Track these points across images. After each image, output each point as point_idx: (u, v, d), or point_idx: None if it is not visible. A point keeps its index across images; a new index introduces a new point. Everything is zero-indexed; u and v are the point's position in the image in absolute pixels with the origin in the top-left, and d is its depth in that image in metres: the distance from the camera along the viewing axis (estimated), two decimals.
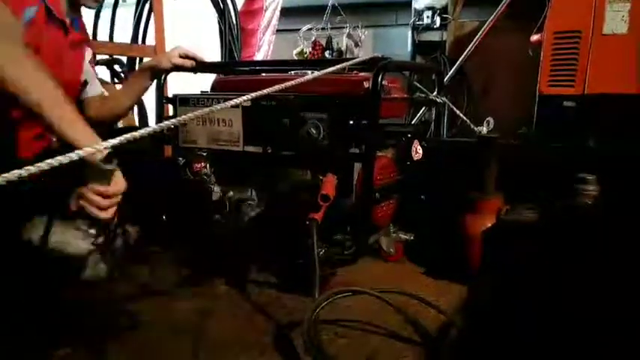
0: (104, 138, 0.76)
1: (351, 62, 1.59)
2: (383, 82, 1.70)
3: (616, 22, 2.62)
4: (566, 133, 2.65)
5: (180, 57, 2.00)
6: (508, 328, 1.39)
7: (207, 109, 0.92)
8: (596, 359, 1.23)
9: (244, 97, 0.98)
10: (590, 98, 2.64)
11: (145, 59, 3.16)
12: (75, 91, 1.81)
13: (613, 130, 2.46)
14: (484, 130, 1.95)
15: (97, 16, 3.57)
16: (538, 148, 2.36)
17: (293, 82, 1.15)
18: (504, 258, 1.69)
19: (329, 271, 1.71)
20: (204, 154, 1.99)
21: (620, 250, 1.48)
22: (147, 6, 3.24)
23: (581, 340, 1.26)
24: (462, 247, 1.80)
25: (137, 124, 2.61)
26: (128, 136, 0.73)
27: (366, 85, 1.76)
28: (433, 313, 1.51)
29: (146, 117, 2.55)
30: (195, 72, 2.12)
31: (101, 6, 3.63)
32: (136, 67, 3.18)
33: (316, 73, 1.29)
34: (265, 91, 1.06)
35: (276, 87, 1.09)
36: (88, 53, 1.87)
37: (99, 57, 2.92)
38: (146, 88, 2.01)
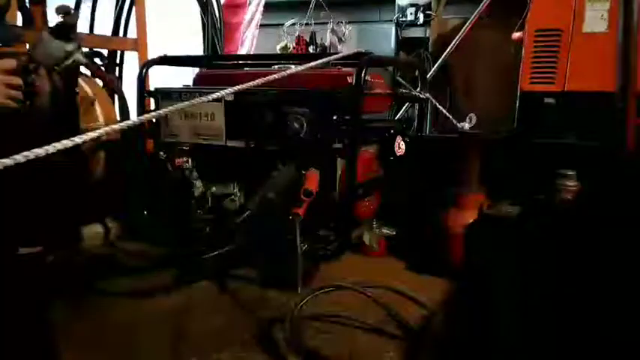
0: None
1: (334, 57, 1.59)
2: (366, 78, 1.70)
3: (596, 20, 2.66)
4: (547, 129, 2.68)
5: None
6: (488, 323, 1.40)
7: (188, 102, 0.91)
8: (576, 351, 1.25)
9: (227, 91, 0.97)
10: (571, 95, 2.68)
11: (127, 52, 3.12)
12: None
13: (592, 126, 2.49)
14: (466, 126, 1.96)
15: (76, 7, 3.50)
16: (519, 144, 2.38)
17: (276, 76, 1.14)
18: (487, 253, 1.70)
19: (312, 267, 1.70)
20: (187, 148, 1.97)
21: (602, 245, 1.50)
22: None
23: (562, 335, 1.28)
24: (445, 242, 1.81)
25: (118, 117, 2.56)
26: (108, 129, 0.72)
27: (349, 80, 1.76)
28: (415, 307, 1.52)
29: (127, 111, 2.51)
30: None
31: None
32: (117, 60, 3.13)
33: (299, 67, 1.29)
34: (248, 84, 1.05)
35: (259, 80, 1.08)
36: None
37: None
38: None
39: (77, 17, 1.33)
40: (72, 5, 3.54)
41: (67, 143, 0.67)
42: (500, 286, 1.58)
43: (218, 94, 0.96)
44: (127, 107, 2.59)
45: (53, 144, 0.65)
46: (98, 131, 0.71)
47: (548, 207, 1.71)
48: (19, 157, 0.61)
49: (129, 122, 0.76)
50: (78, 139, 0.69)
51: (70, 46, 1.34)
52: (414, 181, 2.03)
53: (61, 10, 1.35)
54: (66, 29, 1.34)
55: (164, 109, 0.84)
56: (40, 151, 0.63)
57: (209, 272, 1.77)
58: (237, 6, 4.19)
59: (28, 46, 1.33)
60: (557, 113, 2.73)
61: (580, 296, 1.42)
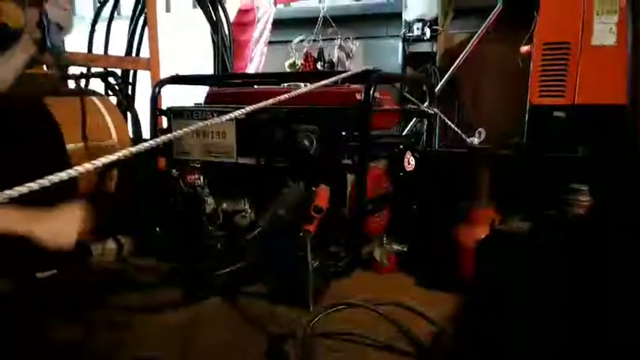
0: None
1: (343, 75, 1.61)
2: (375, 95, 1.71)
3: (604, 34, 2.67)
4: (557, 142, 2.68)
5: None
6: (499, 339, 1.39)
7: (202, 123, 0.93)
8: None
9: (240, 111, 0.99)
10: (581, 108, 2.68)
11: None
12: None
13: (603, 139, 2.49)
14: (476, 141, 1.96)
15: (92, 29, 3.58)
16: (529, 158, 2.38)
17: (287, 96, 1.16)
18: (498, 269, 1.69)
19: (323, 283, 1.71)
20: (198, 165, 1.99)
21: (614, 259, 1.49)
22: (141, 19, 3.25)
23: (574, 350, 1.27)
24: (455, 258, 1.81)
25: (131, 135, 2.60)
26: (126, 151, 0.74)
27: (358, 97, 1.78)
28: (426, 324, 1.52)
29: (140, 129, 2.55)
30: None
31: (96, 19, 3.65)
32: (130, 80, 3.18)
33: (309, 87, 1.31)
34: (260, 104, 1.07)
35: (271, 100, 1.10)
36: None
37: (93, 70, 2.92)
38: (27, 63, 1.47)
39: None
40: (87, 28, 3.62)
41: (88, 167, 0.69)
42: (511, 302, 1.57)
43: (231, 115, 0.98)
44: (140, 125, 2.64)
45: (75, 167, 0.67)
46: (117, 154, 0.73)
47: (560, 222, 1.70)
48: (44, 182, 0.63)
49: (146, 144, 0.77)
50: (98, 162, 0.71)
51: None
52: (424, 197, 2.03)
53: None
54: None
55: (180, 131, 0.85)
56: (63, 175, 0.65)
57: (220, 288, 1.78)
58: (246, 24, 4.26)
59: None
60: (567, 126, 2.73)
61: (592, 311, 1.41)
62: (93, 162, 0.72)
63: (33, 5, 1.33)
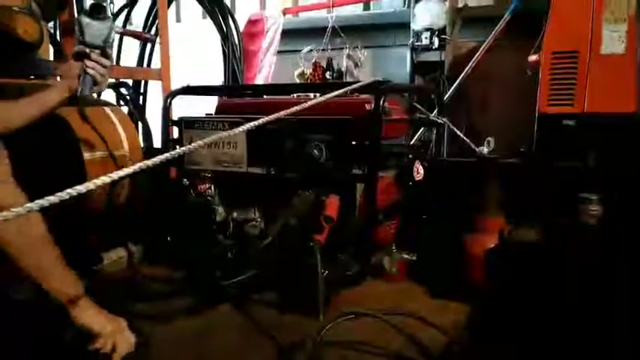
0: None
1: (353, 86, 1.62)
2: (384, 104, 1.73)
3: (613, 42, 2.66)
4: (567, 151, 2.67)
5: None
6: (510, 348, 1.39)
7: (216, 136, 0.95)
8: None
9: (253, 124, 1.01)
10: (590, 117, 2.67)
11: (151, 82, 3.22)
12: None
13: (614, 148, 2.48)
14: (485, 150, 1.97)
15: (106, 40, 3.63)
16: (539, 167, 2.38)
17: (298, 108, 1.18)
18: (508, 278, 1.69)
19: (333, 292, 1.71)
20: (209, 175, 2.01)
21: (626, 269, 1.49)
22: (153, 29, 3.30)
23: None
24: (465, 267, 1.81)
25: (141, 144, 2.63)
26: (142, 164, 0.76)
27: (367, 107, 1.80)
28: (437, 333, 1.52)
29: (151, 139, 2.58)
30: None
31: None
32: (141, 90, 3.23)
33: (320, 98, 1.32)
34: (272, 117, 1.08)
35: (282, 113, 1.11)
36: None
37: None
38: (58, 105, 1.57)
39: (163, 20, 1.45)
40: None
41: (105, 179, 0.71)
42: (521, 311, 1.57)
43: (244, 127, 1.00)
44: (151, 135, 2.67)
45: (93, 181, 0.69)
46: (133, 167, 0.75)
47: (571, 232, 1.70)
48: (64, 195, 0.65)
49: (162, 157, 0.79)
50: (115, 175, 0.73)
51: (108, 23, 1.47)
52: (434, 206, 2.03)
53: None
54: (99, 9, 1.46)
55: (195, 143, 0.87)
56: (80, 188, 0.67)
57: (230, 297, 1.79)
58: (255, 34, 4.30)
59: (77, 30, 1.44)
60: (576, 135, 2.72)
61: (604, 319, 1.41)
62: (110, 175, 0.74)
63: (78, 59, 1.45)
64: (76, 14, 2.93)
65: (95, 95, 1.47)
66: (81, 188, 0.68)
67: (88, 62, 1.45)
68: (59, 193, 0.64)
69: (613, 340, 1.35)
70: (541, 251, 1.70)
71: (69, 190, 0.65)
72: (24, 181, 1.26)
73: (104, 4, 1.47)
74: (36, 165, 1.21)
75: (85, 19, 1.45)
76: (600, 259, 1.56)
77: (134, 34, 1.52)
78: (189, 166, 2.06)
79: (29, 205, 0.65)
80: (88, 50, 1.45)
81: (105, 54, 1.48)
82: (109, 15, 1.50)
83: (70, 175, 0.98)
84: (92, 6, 1.45)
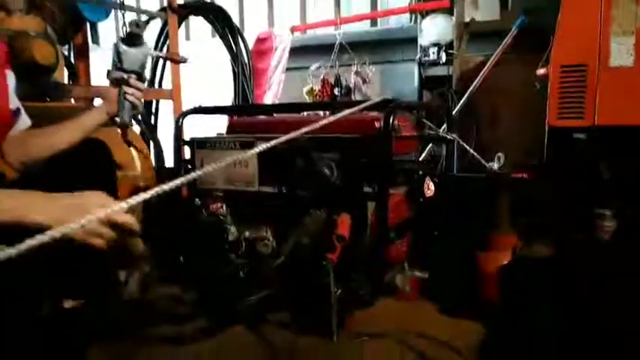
0: None
1: (363, 105, 1.64)
2: (394, 122, 1.74)
3: (622, 55, 2.66)
4: (579, 165, 2.66)
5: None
6: None
7: (230, 159, 0.96)
8: None
9: (265, 146, 1.02)
10: (601, 130, 2.66)
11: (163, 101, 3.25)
12: (4, 122, 1.50)
13: (626, 161, 2.46)
14: (495, 166, 1.97)
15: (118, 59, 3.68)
16: (550, 182, 2.37)
17: (309, 128, 1.19)
18: (522, 295, 1.68)
19: (346, 312, 1.71)
20: (221, 194, 2.02)
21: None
22: (163, 49, 3.35)
23: None
24: (478, 284, 1.80)
25: (153, 164, 2.66)
26: (158, 189, 0.77)
27: (376, 125, 1.81)
28: (451, 353, 1.51)
29: (163, 159, 2.61)
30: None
31: None
32: (153, 109, 3.27)
33: (330, 118, 1.34)
34: (283, 138, 1.10)
35: (294, 134, 1.13)
36: (11, 78, 1.52)
37: None
38: (95, 129, 1.63)
39: (145, 27, 1.55)
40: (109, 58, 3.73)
41: (131, 202, 0.72)
42: (537, 329, 1.55)
43: (257, 149, 1.01)
44: (163, 154, 2.71)
45: (112, 207, 0.70)
46: (150, 192, 0.76)
47: (584, 247, 1.69)
48: (91, 217, 0.66)
49: (178, 182, 0.80)
50: (132, 201, 0.74)
51: (144, 50, 1.56)
52: (445, 223, 2.03)
53: (133, 22, 1.56)
54: (136, 37, 1.54)
55: (210, 166, 0.88)
56: (100, 215, 0.68)
57: (243, 317, 1.79)
58: (264, 52, 4.35)
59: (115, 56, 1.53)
60: (588, 148, 2.71)
61: (619, 336, 1.39)
62: (128, 201, 0.75)
63: (116, 85, 1.54)
64: (90, 40, 3.00)
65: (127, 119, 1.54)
66: (101, 215, 0.70)
67: (126, 88, 1.52)
68: (87, 217, 0.65)
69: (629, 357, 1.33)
70: (555, 267, 1.69)
71: (98, 212, 0.66)
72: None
73: (140, 33, 1.54)
74: (76, 184, 1.24)
75: (123, 47, 1.52)
76: (615, 275, 1.54)
77: (167, 57, 1.59)
78: (201, 186, 2.07)
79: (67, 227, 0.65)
80: (126, 76, 1.52)
81: (141, 79, 1.55)
82: (145, 42, 1.58)
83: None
84: (129, 34, 1.53)
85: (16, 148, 1.52)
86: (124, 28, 2.90)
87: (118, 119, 1.54)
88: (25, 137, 1.55)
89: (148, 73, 3.55)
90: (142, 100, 1.59)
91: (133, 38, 1.53)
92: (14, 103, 1.52)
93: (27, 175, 1.51)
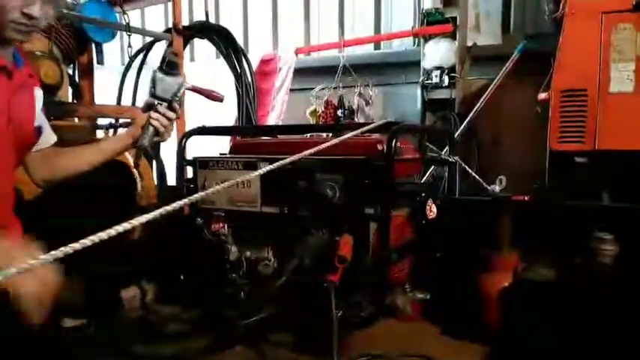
0: None
1: (366, 128, 1.66)
2: (396, 145, 1.75)
3: (622, 81, 2.69)
4: (580, 189, 2.66)
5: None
6: None
7: (233, 181, 0.98)
8: None
9: (268, 167, 1.04)
10: (602, 154, 2.68)
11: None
12: (29, 141, 1.50)
13: (627, 186, 2.47)
14: (497, 188, 1.98)
15: (122, 82, 3.74)
16: (552, 205, 2.37)
17: (313, 150, 1.20)
18: (523, 317, 1.67)
19: (347, 333, 1.70)
20: (222, 214, 2.03)
21: None
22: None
23: None
24: (480, 306, 1.79)
25: (155, 183, 2.68)
26: (162, 210, 0.78)
27: (379, 147, 1.82)
28: None
29: (165, 178, 2.63)
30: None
31: (127, 69, 3.81)
32: None
33: (334, 140, 1.36)
34: (287, 160, 1.11)
35: (297, 156, 1.14)
36: (39, 94, 1.52)
37: (121, 120, 3.04)
38: (120, 153, 1.67)
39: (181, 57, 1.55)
40: (117, 78, 3.78)
41: (126, 225, 0.73)
42: (537, 351, 1.55)
43: (260, 171, 1.03)
44: (165, 174, 2.72)
45: (114, 227, 0.71)
46: (153, 213, 0.77)
47: (585, 271, 1.68)
48: (95, 238, 0.67)
49: (181, 203, 0.81)
50: (135, 222, 0.75)
51: (179, 79, 1.58)
52: (447, 245, 2.03)
53: (170, 50, 1.61)
54: (173, 65, 1.57)
55: (214, 187, 0.90)
56: (103, 235, 0.69)
57: (244, 337, 1.78)
58: (268, 73, 4.41)
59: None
60: (589, 172, 2.72)
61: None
62: (131, 222, 0.76)
63: (146, 110, 1.57)
64: (95, 59, 3.04)
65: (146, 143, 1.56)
66: (103, 235, 0.71)
67: (153, 114, 1.54)
68: (90, 238, 0.66)
69: None
70: (556, 290, 1.68)
71: (100, 234, 0.67)
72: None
73: (177, 62, 1.58)
74: (97, 205, 1.26)
75: (159, 74, 1.55)
76: (616, 298, 1.54)
77: (203, 92, 1.59)
78: (203, 206, 2.08)
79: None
80: (156, 102, 1.55)
81: (171, 107, 1.56)
82: (181, 72, 1.62)
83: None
84: (167, 62, 1.55)
85: (40, 165, 1.54)
86: (129, 49, 2.97)
87: (138, 141, 1.55)
88: (50, 155, 1.56)
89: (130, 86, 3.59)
90: (171, 128, 1.60)
91: (169, 66, 1.56)
92: (39, 120, 1.52)
93: (47, 193, 1.54)
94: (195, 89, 1.63)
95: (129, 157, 1.98)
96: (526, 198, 2.23)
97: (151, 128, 1.54)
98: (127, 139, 1.59)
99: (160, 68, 1.56)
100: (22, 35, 1.29)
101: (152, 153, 2.73)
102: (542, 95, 3.12)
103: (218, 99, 1.69)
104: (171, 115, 1.57)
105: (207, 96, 1.66)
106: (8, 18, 1.23)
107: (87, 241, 0.68)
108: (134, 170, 1.88)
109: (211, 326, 1.90)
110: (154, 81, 1.55)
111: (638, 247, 1.70)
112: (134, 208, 1.68)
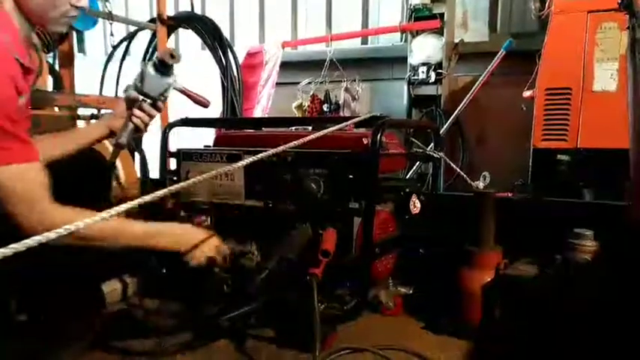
0: None
1: (351, 122, 1.65)
2: (381, 139, 1.75)
3: (605, 80, 2.73)
4: (562, 185, 2.70)
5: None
6: None
7: (216, 172, 0.96)
8: None
9: (252, 158, 1.02)
10: (584, 152, 2.71)
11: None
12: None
13: (608, 183, 2.50)
14: (481, 185, 1.98)
15: (104, 72, 3.68)
16: (534, 202, 2.39)
17: (297, 142, 1.19)
18: (505, 313, 1.69)
19: (329, 327, 1.69)
20: (206, 207, 2.01)
21: (622, 305, 1.49)
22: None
23: None
24: (462, 302, 1.80)
25: (138, 175, 2.64)
26: (140, 200, 0.76)
27: (365, 141, 1.82)
28: None
29: (147, 169, 2.59)
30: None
31: (109, 59, 3.75)
32: None
33: (318, 133, 1.34)
34: (270, 151, 1.10)
35: (281, 148, 1.13)
36: None
37: (103, 111, 2.99)
38: (96, 142, 1.64)
39: (179, 59, 1.50)
40: (100, 68, 3.72)
41: (104, 215, 0.71)
42: (519, 347, 1.56)
43: (244, 162, 1.01)
44: (147, 165, 2.69)
45: (93, 218, 0.69)
46: (131, 203, 0.75)
47: (566, 267, 1.70)
48: (72, 227, 0.65)
49: (161, 192, 0.80)
50: (113, 211, 0.73)
51: (169, 80, 1.51)
52: (430, 240, 2.03)
53: (170, 51, 1.51)
54: (166, 66, 1.49)
55: (195, 178, 0.88)
56: (80, 224, 0.67)
57: (226, 331, 1.77)
58: (254, 66, 4.38)
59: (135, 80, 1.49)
60: (571, 169, 2.76)
61: (600, 356, 1.41)
62: (109, 211, 0.74)
63: (128, 105, 1.51)
64: (76, 47, 2.98)
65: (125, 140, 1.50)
66: (80, 224, 0.69)
67: (136, 111, 1.48)
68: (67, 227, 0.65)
69: None
70: (537, 286, 1.70)
71: (77, 223, 0.66)
72: None
73: (172, 64, 1.49)
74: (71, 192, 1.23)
75: (150, 70, 1.47)
76: (595, 295, 1.56)
77: (190, 96, 1.54)
78: (185, 198, 2.06)
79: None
80: (141, 98, 1.48)
81: (156, 106, 1.51)
82: (174, 74, 1.53)
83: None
84: (161, 61, 1.47)
85: None
86: (112, 37, 2.91)
87: (116, 137, 1.49)
88: None
89: (114, 76, 3.52)
90: (149, 125, 1.55)
91: (163, 66, 1.48)
92: None
93: None
94: (184, 91, 1.58)
95: (108, 146, 1.93)
96: (509, 194, 2.25)
97: (131, 125, 1.48)
98: (103, 130, 1.55)
99: (153, 64, 1.48)
100: (67, 28, 1.32)
101: (133, 144, 2.69)
102: (527, 93, 3.15)
103: (204, 104, 1.64)
104: (154, 113, 1.52)
105: (194, 100, 1.61)
106: (60, 12, 1.24)
107: (62, 231, 0.66)
108: (111, 161, 1.81)
109: (194, 320, 1.88)
110: (142, 75, 1.48)
111: (617, 243, 1.72)
112: (106, 198, 1.64)
